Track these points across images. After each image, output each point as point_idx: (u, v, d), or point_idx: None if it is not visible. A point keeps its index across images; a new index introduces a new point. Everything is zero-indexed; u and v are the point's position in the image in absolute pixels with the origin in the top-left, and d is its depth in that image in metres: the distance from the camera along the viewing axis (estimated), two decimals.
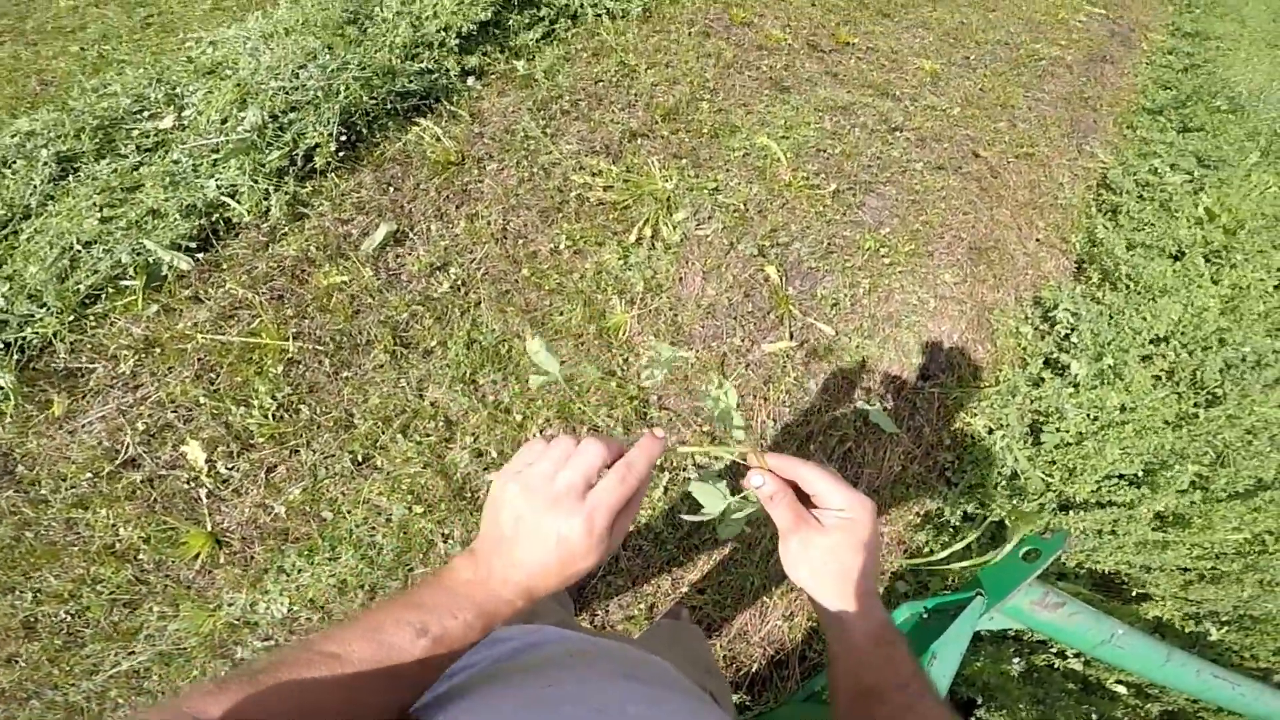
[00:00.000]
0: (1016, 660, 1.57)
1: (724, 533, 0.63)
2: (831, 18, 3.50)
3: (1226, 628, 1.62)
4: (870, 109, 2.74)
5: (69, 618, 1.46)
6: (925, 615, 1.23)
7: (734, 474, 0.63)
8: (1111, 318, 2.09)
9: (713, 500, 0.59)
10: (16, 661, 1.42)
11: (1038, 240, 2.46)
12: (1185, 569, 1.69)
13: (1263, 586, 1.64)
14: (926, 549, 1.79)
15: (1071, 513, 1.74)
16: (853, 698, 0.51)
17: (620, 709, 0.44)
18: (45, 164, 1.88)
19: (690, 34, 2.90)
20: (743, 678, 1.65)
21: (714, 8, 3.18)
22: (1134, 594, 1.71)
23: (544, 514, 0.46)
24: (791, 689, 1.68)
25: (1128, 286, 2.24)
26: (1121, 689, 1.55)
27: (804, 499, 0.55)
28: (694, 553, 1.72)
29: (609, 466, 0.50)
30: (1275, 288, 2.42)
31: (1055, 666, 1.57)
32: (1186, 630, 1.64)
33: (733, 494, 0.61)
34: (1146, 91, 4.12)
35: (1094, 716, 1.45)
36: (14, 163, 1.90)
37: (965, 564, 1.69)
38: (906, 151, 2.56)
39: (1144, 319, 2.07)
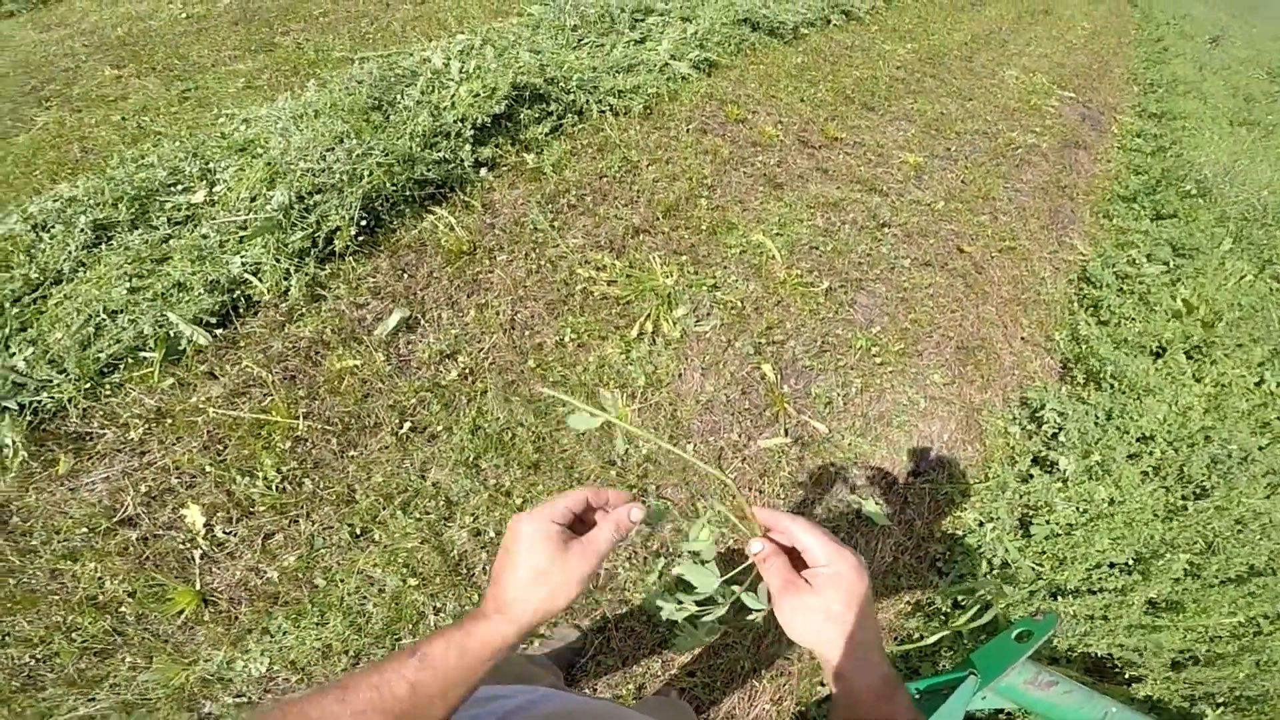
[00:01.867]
0: None
1: (681, 644, 0.65)
2: (820, 113, 3.74)
3: (1223, 709, 1.62)
4: (859, 205, 2.90)
5: (33, 662, 1.43)
6: (918, 696, 1.24)
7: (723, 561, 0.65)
8: (1098, 418, 2.16)
9: (705, 580, 0.60)
10: None
11: (1022, 339, 2.57)
12: (1181, 651, 1.71)
13: (1259, 667, 1.65)
14: (917, 635, 1.80)
15: (1062, 599, 1.77)
16: None
17: None
18: (82, 230, 1.96)
19: (688, 130, 3.10)
20: None
21: (710, 105, 3.41)
22: (1126, 676, 1.71)
23: (512, 529, 0.54)
24: None
25: (1112, 386, 2.33)
26: None
27: (796, 559, 0.58)
28: None
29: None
30: (1257, 384, 2.50)
31: None
32: (1181, 711, 1.65)
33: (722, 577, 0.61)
34: (1120, 177, 4.35)
35: None
36: (53, 227, 1.99)
37: (960, 644, 1.70)
38: (894, 248, 2.71)
39: (1130, 419, 2.15)
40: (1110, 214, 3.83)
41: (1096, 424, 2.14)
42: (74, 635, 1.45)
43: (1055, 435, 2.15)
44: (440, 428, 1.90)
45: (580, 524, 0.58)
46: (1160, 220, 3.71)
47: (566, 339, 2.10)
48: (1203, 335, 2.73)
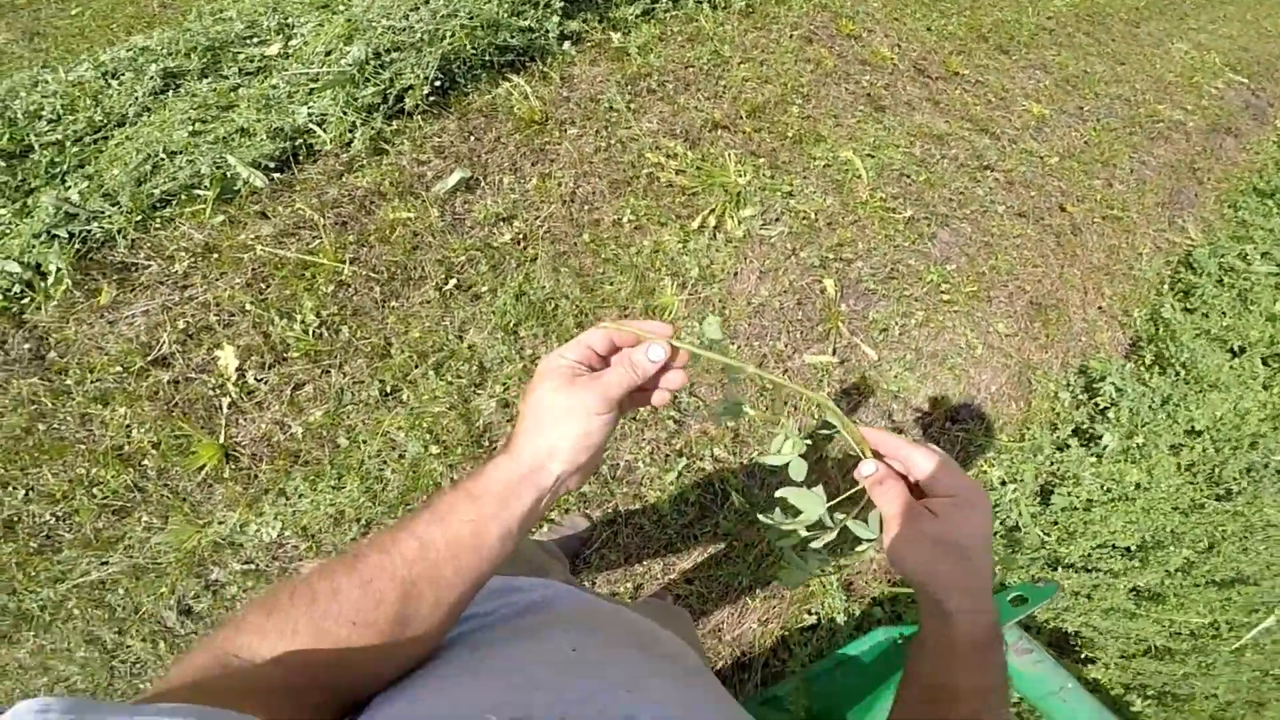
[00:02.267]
0: None
1: (788, 579, 0.57)
2: (945, 45, 3.38)
3: (1149, 701, 1.65)
4: (964, 143, 2.67)
5: (53, 520, 1.46)
6: (900, 640, 1.26)
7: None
8: (1153, 402, 2.04)
9: (811, 505, 0.52)
10: None
11: (1100, 308, 2.39)
12: (1139, 640, 1.72)
13: (1200, 669, 1.66)
14: None
15: (1059, 571, 1.76)
16: (925, 690, 0.49)
17: (645, 688, 0.43)
18: (151, 78, 1.98)
19: (792, 36, 2.86)
20: None
21: (822, 15, 3.12)
22: (1082, 655, 1.73)
23: (526, 387, 0.48)
24: (749, 691, 1.70)
25: (1178, 374, 2.17)
26: None
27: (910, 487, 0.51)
28: (692, 542, 1.76)
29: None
30: None
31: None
32: (1116, 698, 1.67)
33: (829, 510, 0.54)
34: (1264, 172, 3.87)
35: None
36: (122, 74, 2.02)
37: None
38: (992, 192, 2.50)
39: (1186, 410, 2.03)
40: (1237, 205, 3.44)
41: (1150, 408, 2.02)
42: (95, 490, 1.47)
43: (1105, 410, 2.04)
44: (485, 288, 1.90)
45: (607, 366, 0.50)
46: None
47: (625, 219, 2.05)
48: None
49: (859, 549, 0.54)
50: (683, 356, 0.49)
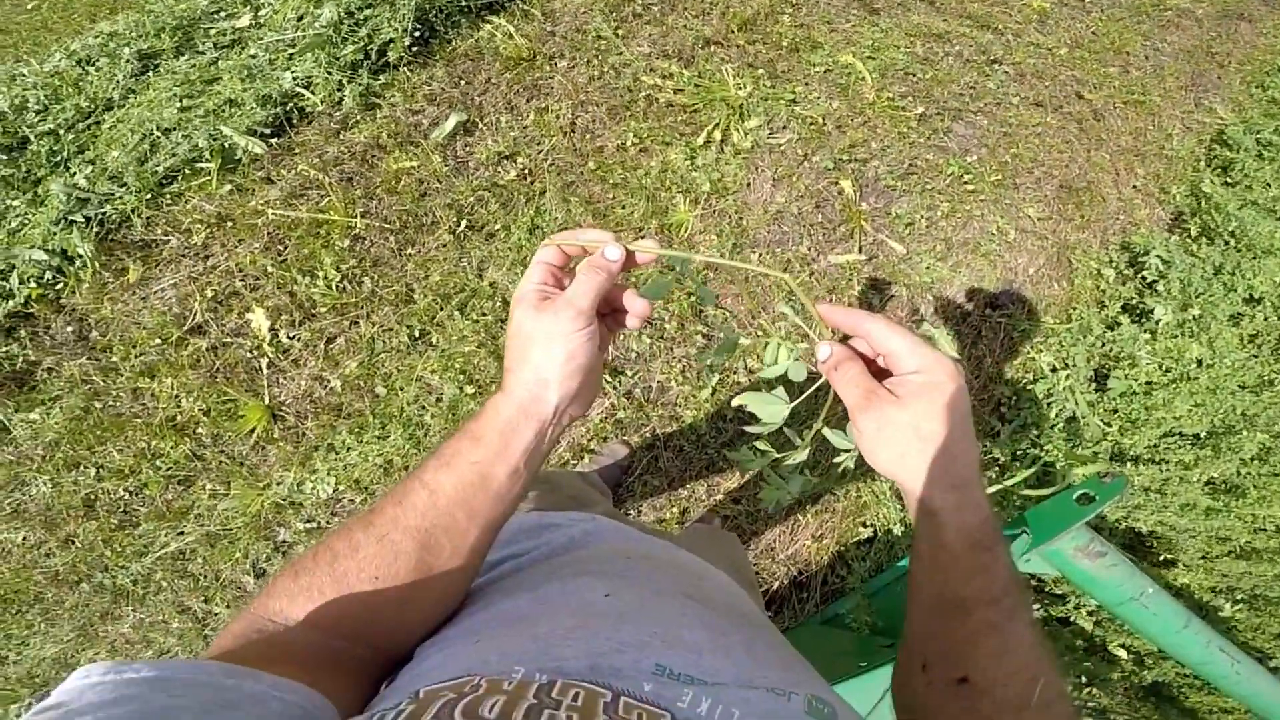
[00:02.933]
0: (1036, 609, 1.53)
1: (769, 498, 0.53)
2: None
3: (1240, 605, 1.56)
4: (967, 39, 2.55)
5: (127, 495, 1.52)
6: None
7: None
8: (1205, 272, 1.93)
9: (772, 410, 0.48)
10: (73, 542, 1.48)
11: (1134, 188, 2.28)
12: (1221, 539, 1.61)
13: None
14: None
15: (1125, 465, 1.66)
16: (933, 607, 0.44)
17: (682, 633, 0.40)
18: (127, 61, 1.95)
19: None
20: (763, 595, 1.65)
21: None
22: (1161, 558, 1.65)
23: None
24: (810, 611, 1.67)
25: (1228, 242, 2.06)
26: (1123, 653, 1.53)
27: (876, 371, 0.46)
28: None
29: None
30: None
31: (1069, 621, 1.54)
32: (1201, 601, 1.59)
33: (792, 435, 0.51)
34: None
35: (1084, 676, 1.44)
36: (97, 60, 1.99)
37: (1021, 492, 1.65)
38: (1003, 85, 2.39)
39: (1241, 277, 1.91)
40: (1265, 85, 3.28)
41: (1203, 277, 1.91)
42: (159, 463, 1.53)
43: (1153, 284, 1.94)
44: (498, 226, 1.87)
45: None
46: None
47: (628, 144, 1.98)
48: None
49: (837, 460, 0.49)
50: (643, 258, 0.47)
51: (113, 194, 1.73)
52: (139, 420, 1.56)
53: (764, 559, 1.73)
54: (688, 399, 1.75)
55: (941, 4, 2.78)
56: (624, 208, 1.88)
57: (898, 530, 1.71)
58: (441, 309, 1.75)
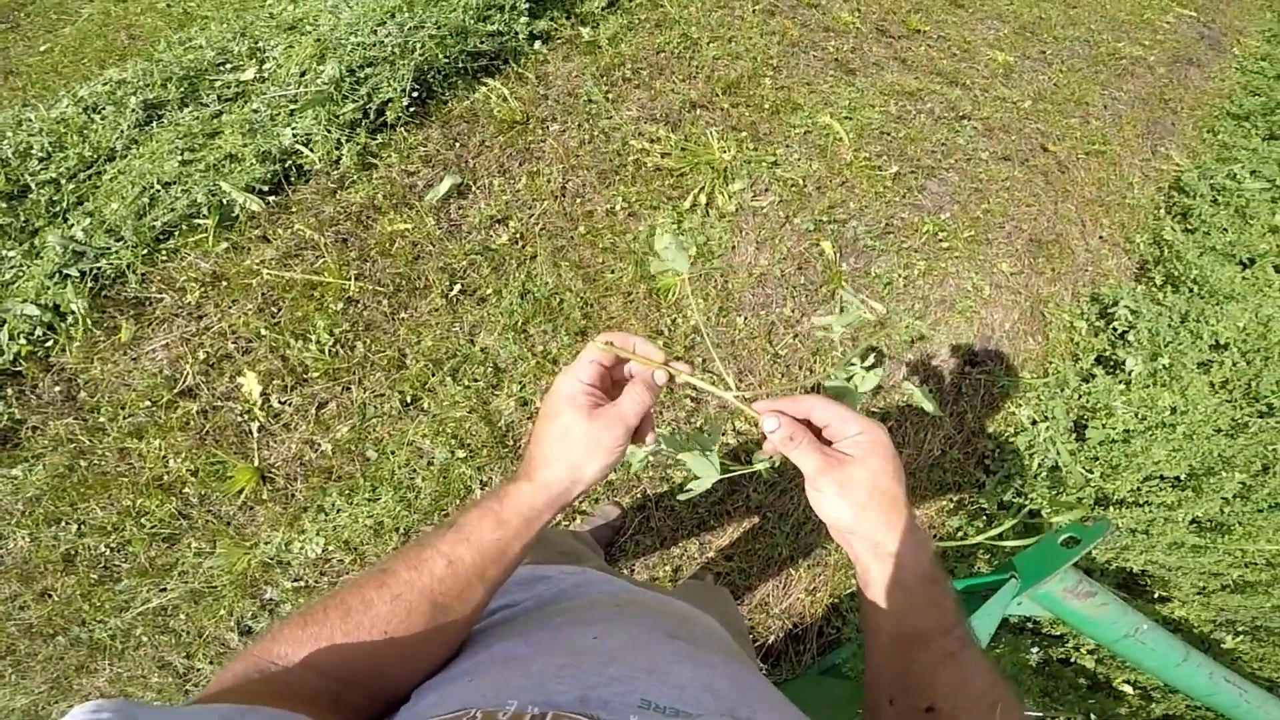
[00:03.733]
0: (1035, 650, 1.56)
1: (697, 486, 0.59)
2: (902, 4, 3.42)
3: (1241, 637, 1.60)
4: (937, 96, 2.69)
5: (109, 551, 1.50)
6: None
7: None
8: (1172, 320, 2.02)
9: (705, 470, 0.57)
10: (50, 596, 1.46)
11: (1101, 238, 2.39)
12: (1214, 575, 1.67)
13: None
14: (960, 533, 1.78)
15: (1109, 509, 1.72)
16: (892, 644, 0.47)
17: (667, 670, 0.43)
18: (133, 110, 1.98)
19: (754, 11, 2.88)
20: (759, 649, 1.67)
21: None
22: (1156, 595, 1.69)
23: (544, 406, 0.50)
24: (808, 663, 1.69)
25: (1192, 290, 2.16)
26: (1128, 689, 1.55)
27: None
28: (725, 519, 1.75)
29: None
30: None
31: (1070, 661, 1.57)
32: (1203, 635, 1.63)
33: (722, 469, 0.59)
34: (1233, 97, 3.92)
35: (1093, 715, 1.45)
36: (104, 108, 2.02)
37: (1000, 544, 1.68)
38: (972, 140, 2.51)
39: (1206, 324, 2.01)
40: (1215, 130, 3.47)
41: (1170, 326, 2.00)
42: (144, 521, 1.51)
43: (1124, 334, 2.03)
44: (490, 291, 1.90)
45: (612, 380, 0.53)
46: (1273, 140, 3.34)
47: (618, 207, 2.05)
48: None
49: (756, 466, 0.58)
50: (676, 379, 0.53)
51: (109, 248, 1.73)
52: (124, 479, 1.55)
53: (758, 613, 1.74)
54: (678, 461, 1.78)
55: (913, 62, 2.93)
56: (613, 272, 1.93)
57: None
58: (433, 374, 1.77)
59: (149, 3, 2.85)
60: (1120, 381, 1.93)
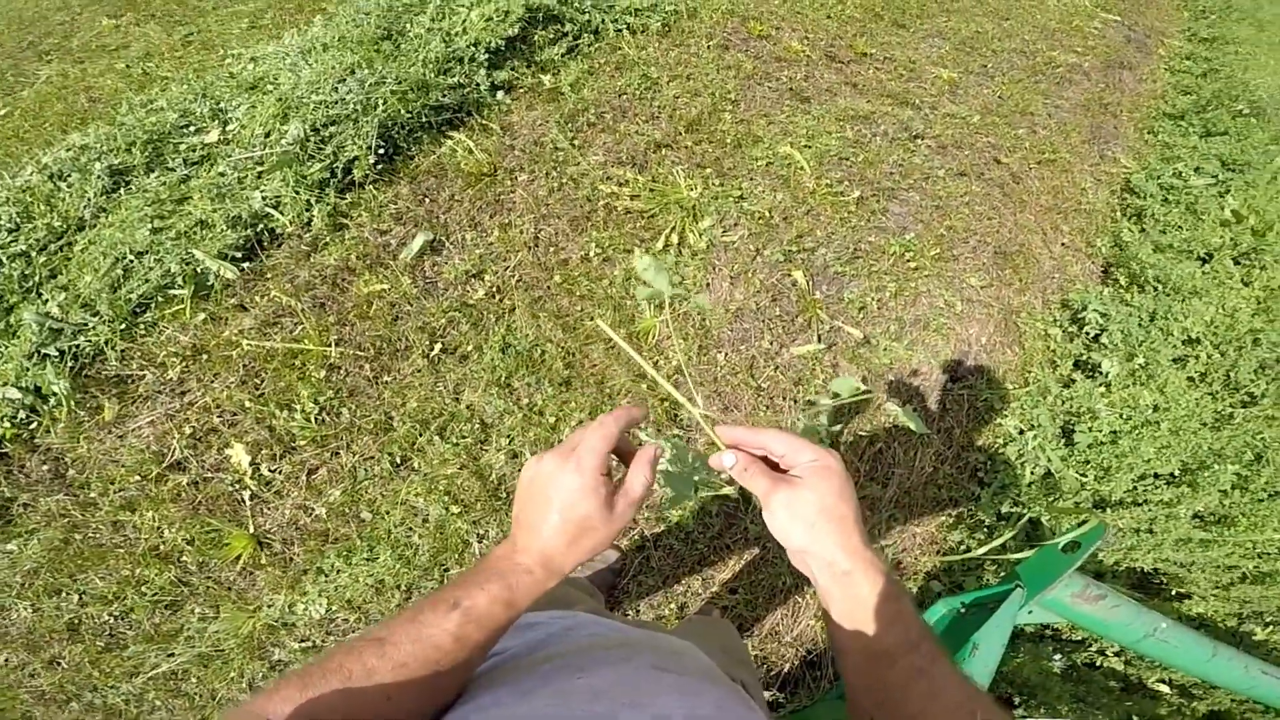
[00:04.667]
0: (1057, 657, 1.55)
1: (672, 502, 0.64)
2: (848, 29, 3.55)
3: (1272, 628, 1.59)
4: (890, 118, 2.78)
5: (112, 619, 1.50)
6: (963, 610, 1.23)
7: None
8: (1141, 319, 2.08)
9: (681, 486, 0.63)
10: (59, 664, 1.46)
11: (1063, 245, 2.47)
12: (1229, 568, 1.66)
13: None
14: (962, 547, 1.79)
15: (1108, 510, 1.73)
16: (861, 663, 0.49)
17: (652, 701, 0.44)
18: (99, 177, 1.96)
19: (709, 47, 2.97)
20: (775, 677, 1.66)
21: (731, 21, 3.25)
22: (1174, 592, 1.68)
23: (546, 476, 0.50)
24: (825, 687, 1.67)
25: (1156, 288, 2.23)
26: (1164, 688, 1.53)
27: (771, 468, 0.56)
28: (725, 552, 1.73)
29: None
30: None
31: (1097, 665, 1.56)
32: (1230, 629, 1.62)
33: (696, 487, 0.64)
34: (1166, 97, 4.12)
35: (1134, 716, 1.43)
36: (69, 175, 1.99)
37: (1004, 556, 1.69)
38: (928, 159, 2.59)
39: (1175, 320, 2.06)
40: (1155, 130, 3.64)
41: (1140, 325, 2.06)
42: (144, 589, 1.51)
43: (1097, 337, 2.07)
44: (470, 347, 1.90)
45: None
46: (1210, 137, 3.52)
47: (591, 254, 2.06)
48: (1252, 243, 2.59)
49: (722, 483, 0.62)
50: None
51: (86, 324, 1.71)
52: (120, 550, 1.55)
53: (770, 643, 1.72)
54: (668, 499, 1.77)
55: (863, 85, 3.03)
56: (592, 319, 1.94)
57: None
58: (421, 434, 1.76)
59: (107, 64, 2.84)
60: (1100, 384, 1.97)
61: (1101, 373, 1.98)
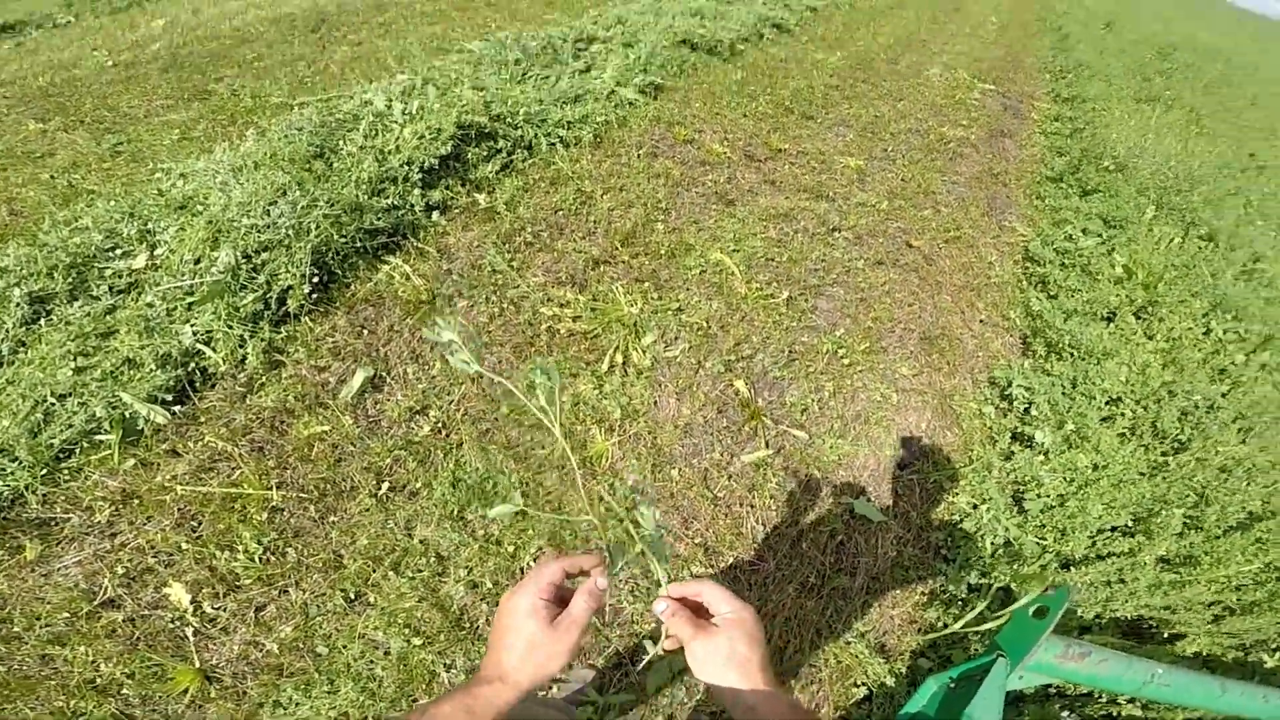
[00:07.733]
0: (1066, 715, 1.54)
1: (656, 680, 0.66)
2: (762, 126, 3.85)
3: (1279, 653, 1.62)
4: (808, 212, 2.98)
5: None
6: (952, 684, 1.22)
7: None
8: (1064, 387, 2.23)
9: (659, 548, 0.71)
10: None
11: (980, 321, 2.65)
12: (1211, 603, 1.71)
13: None
14: (940, 623, 1.80)
15: (1073, 569, 1.78)
16: None
17: None
18: (18, 305, 1.84)
19: (639, 155, 3.14)
20: None
21: (658, 128, 3.47)
22: (1166, 635, 1.71)
23: (504, 603, 0.61)
24: None
25: (1072, 354, 2.42)
26: None
27: (702, 616, 0.65)
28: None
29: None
30: (1205, 334, 2.64)
31: (1113, 716, 1.53)
32: (1237, 661, 1.64)
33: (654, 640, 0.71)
34: (1045, 160, 4.60)
35: None
36: None
37: (983, 627, 1.70)
38: (847, 251, 2.78)
39: (1094, 383, 2.23)
40: (1041, 195, 4.03)
41: (1064, 393, 2.20)
42: None
43: (1027, 410, 2.20)
44: (419, 484, 1.84)
45: (564, 590, 0.65)
46: (1087, 196, 3.92)
47: (536, 382, 2.06)
48: (1146, 297, 2.87)
49: (647, 656, 0.71)
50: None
51: (3, 469, 1.58)
52: (51, 681, 1.40)
53: None
54: (641, 615, 1.73)
55: (780, 182, 3.26)
56: (543, 448, 1.92)
57: (889, 681, 1.71)
58: (375, 570, 1.68)
59: (31, 173, 2.71)
60: (1039, 453, 2.08)
61: (1038, 443, 2.10)
